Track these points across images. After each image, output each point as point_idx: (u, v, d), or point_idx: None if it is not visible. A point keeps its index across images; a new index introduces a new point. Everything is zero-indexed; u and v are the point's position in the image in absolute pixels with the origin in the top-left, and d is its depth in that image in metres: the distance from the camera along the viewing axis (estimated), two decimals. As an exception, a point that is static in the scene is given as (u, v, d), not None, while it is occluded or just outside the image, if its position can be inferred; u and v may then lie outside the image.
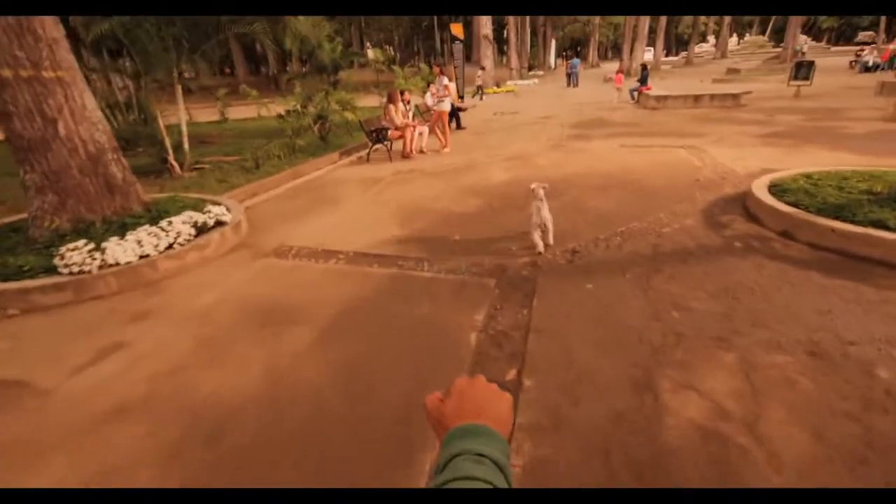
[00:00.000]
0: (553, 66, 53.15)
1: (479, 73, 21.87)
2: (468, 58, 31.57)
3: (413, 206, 5.78)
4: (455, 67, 18.81)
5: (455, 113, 12.02)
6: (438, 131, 9.20)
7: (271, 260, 4.34)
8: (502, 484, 0.47)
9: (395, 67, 15.75)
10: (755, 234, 4.25)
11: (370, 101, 16.99)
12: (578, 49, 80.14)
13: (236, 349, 2.98)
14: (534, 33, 49.22)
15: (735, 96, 13.02)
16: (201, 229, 4.33)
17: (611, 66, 45.21)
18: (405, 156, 8.74)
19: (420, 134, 9.00)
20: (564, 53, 67.16)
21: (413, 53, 50.18)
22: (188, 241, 4.16)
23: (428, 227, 4.99)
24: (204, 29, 7.53)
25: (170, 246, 4.01)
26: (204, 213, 4.44)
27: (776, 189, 4.74)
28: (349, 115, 10.57)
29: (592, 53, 54.83)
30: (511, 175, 7.03)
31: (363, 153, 9.08)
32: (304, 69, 11.93)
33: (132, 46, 6.85)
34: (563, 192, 5.91)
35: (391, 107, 8.56)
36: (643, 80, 15.12)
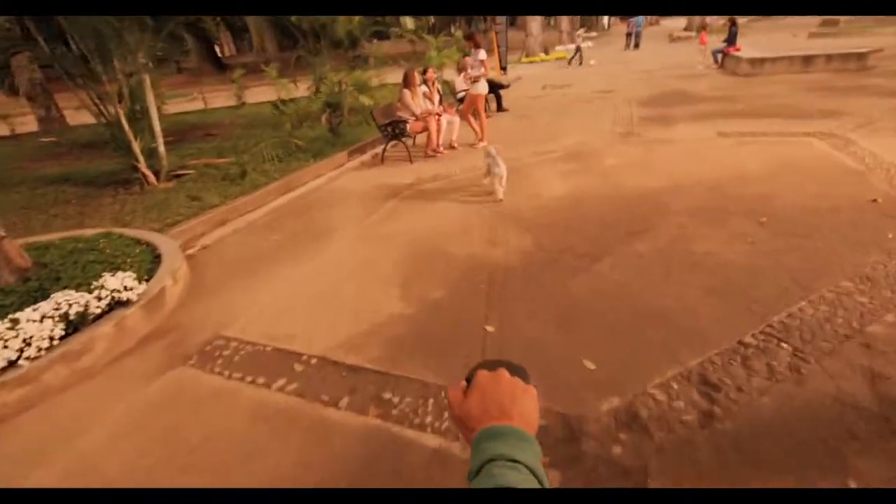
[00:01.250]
0: (606, 26, 48.44)
1: (579, 32, 18.74)
2: (512, 21, 28.60)
3: (428, 246, 3.97)
4: (497, 34, 16.40)
5: (495, 91, 9.91)
6: (472, 119, 7.22)
7: (187, 372, 2.69)
8: None
9: (427, 37, 13.61)
10: None
11: (395, 77, 15.04)
12: (634, 6, 73.30)
13: None
14: (585, -10, 44.46)
15: (860, 56, 10.04)
16: (81, 321, 2.73)
17: (673, 24, 40.51)
18: (430, 154, 6.87)
19: (449, 123, 7.06)
20: (618, 11, 61.34)
21: (452, 20, 46.87)
22: (51, 347, 2.57)
23: (445, 298, 3.18)
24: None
25: (13, 362, 2.44)
26: (93, 293, 2.84)
27: None
28: (365, 100, 8.75)
29: (651, 10, 49.41)
30: (569, 187, 5.03)
31: (379, 150, 7.28)
32: (318, 45, 10.08)
33: (71, 27, 5.28)
34: (653, 224, 3.89)
35: (406, 91, 6.64)
36: (731, 40, 12.21)
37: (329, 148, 7.55)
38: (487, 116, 9.46)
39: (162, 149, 6.55)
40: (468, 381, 0.59)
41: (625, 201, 4.44)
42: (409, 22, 15.69)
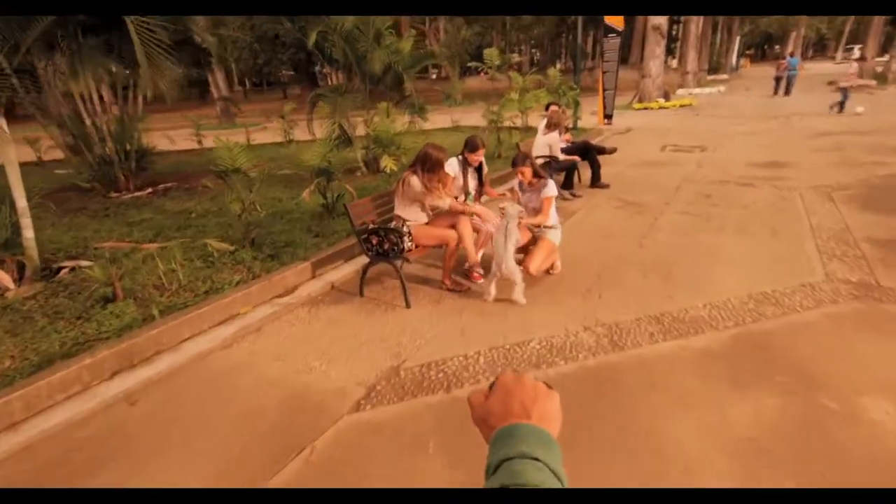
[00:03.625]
0: (736, 67, 42.39)
1: (854, 65, 14.17)
2: (623, 59, 24.86)
3: None
4: (604, 72, 13.04)
5: (591, 157, 6.58)
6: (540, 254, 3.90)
7: None
8: None
9: (513, 73, 10.65)
10: None
11: (475, 118, 12.23)
12: (765, 47, 65.20)
13: None
14: (713, 29, 39.12)
15: None
16: None
17: (823, 67, 33.88)
18: (449, 287, 3.71)
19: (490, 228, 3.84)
20: (746, 53, 54.35)
21: (557, 55, 43.98)
22: None
23: None
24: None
25: None
26: None
27: None
28: (388, 163, 5.93)
29: (792, 51, 42.49)
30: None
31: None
32: (352, 80, 7.54)
33: None
34: None
35: (417, 181, 3.52)
36: None
37: (308, 241, 4.70)
38: (577, 196, 6.24)
39: (29, 233, 4.12)
40: (491, 388, 0.57)
41: None
42: (494, 56, 12.93)
